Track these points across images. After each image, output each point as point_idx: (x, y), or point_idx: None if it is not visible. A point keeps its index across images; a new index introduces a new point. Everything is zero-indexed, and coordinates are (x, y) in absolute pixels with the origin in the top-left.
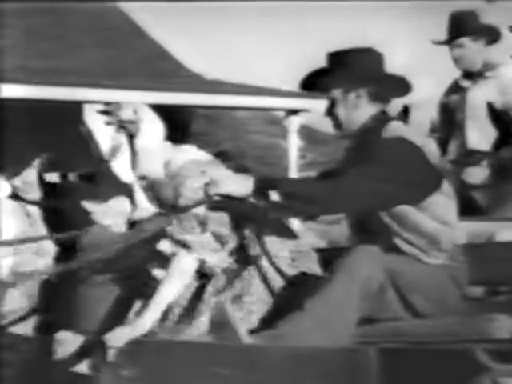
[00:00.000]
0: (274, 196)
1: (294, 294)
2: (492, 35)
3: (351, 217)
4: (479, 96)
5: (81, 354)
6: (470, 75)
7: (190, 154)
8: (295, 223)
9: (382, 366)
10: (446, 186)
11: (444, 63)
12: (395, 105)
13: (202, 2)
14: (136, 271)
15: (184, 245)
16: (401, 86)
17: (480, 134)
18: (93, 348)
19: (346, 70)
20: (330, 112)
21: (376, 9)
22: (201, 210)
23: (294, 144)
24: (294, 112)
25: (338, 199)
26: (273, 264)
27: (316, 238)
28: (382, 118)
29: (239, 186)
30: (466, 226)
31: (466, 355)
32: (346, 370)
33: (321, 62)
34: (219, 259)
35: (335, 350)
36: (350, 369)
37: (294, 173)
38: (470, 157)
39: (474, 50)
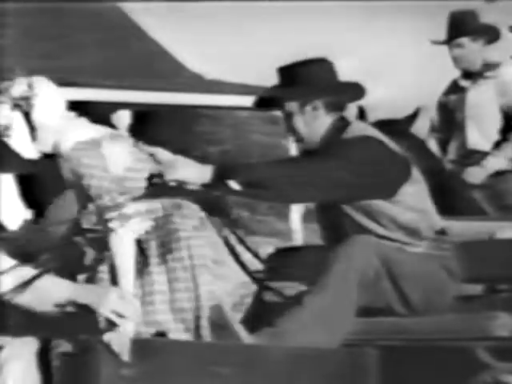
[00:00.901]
0: (234, 185)
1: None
2: (491, 35)
3: (319, 213)
4: (479, 96)
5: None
6: (469, 75)
7: (85, 131)
8: (295, 222)
9: (382, 364)
10: (415, 173)
11: (443, 63)
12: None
13: (202, 2)
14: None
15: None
16: (355, 91)
17: (480, 134)
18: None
19: (300, 83)
20: (290, 127)
21: (376, 9)
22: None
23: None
24: None
25: (298, 188)
26: (248, 248)
27: (314, 237)
28: (342, 124)
29: (197, 172)
30: (467, 225)
31: (466, 353)
32: (346, 369)
33: None
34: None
35: (335, 349)
36: (350, 368)
37: None
38: (469, 157)
39: (473, 50)
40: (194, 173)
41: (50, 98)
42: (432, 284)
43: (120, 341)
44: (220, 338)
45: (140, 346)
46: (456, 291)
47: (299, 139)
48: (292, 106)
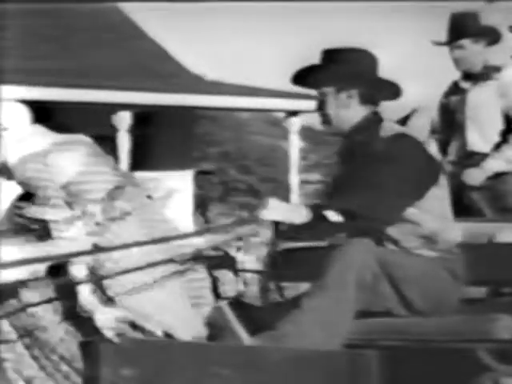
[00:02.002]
0: (333, 217)
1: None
2: (492, 37)
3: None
4: (479, 97)
5: None
6: (469, 76)
7: (33, 143)
8: None
9: (382, 366)
10: (442, 178)
11: (444, 64)
12: (385, 107)
13: (202, 2)
14: None
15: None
16: (392, 90)
17: (480, 136)
18: None
19: (340, 68)
20: (321, 108)
21: (377, 9)
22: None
23: (295, 145)
24: (294, 113)
25: (388, 207)
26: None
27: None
28: (375, 119)
29: (296, 214)
30: (466, 227)
31: (468, 355)
32: (346, 371)
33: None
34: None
35: (335, 351)
36: (351, 370)
37: (295, 174)
38: (469, 158)
39: (474, 52)
40: (292, 214)
41: (11, 117)
42: (435, 287)
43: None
44: (221, 339)
45: (140, 346)
46: (460, 294)
47: (326, 121)
48: (328, 89)
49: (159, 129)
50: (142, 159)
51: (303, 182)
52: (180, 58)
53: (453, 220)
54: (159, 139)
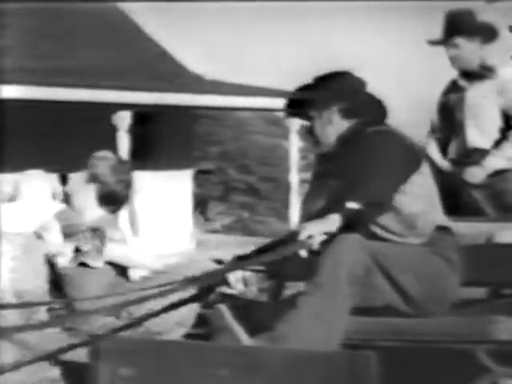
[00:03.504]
0: (354, 205)
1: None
2: (488, 34)
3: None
4: (477, 95)
5: None
6: (467, 74)
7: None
8: (295, 222)
9: (381, 366)
10: (424, 166)
11: (444, 63)
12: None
13: (203, 2)
14: None
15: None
16: (376, 106)
17: (480, 133)
18: None
19: (321, 91)
20: (311, 132)
21: (378, 9)
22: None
23: (295, 144)
24: None
25: (390, 194)
26: None
27: None
28: (360, 128)
29: (329, 224)
30: (465, 226)
31: (467, 356)
32: (345, 372)
33: (320, 63)
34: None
35: (334, 351)
36: (350, 370)
37: (295, 173)
38: (470, 156)
39: (469, 50)
40: (326, 225)
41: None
42: (429, 272)
43: None
44: (220, 339)
45: (140, 346)
46: (457, 278)
47: (316, 142)
48: (313, 112)
49: (159, 128)
50: (142, 159)
51: (303, 182)
52: (180, 57)
53: (438, 206)
54: (159, 139)
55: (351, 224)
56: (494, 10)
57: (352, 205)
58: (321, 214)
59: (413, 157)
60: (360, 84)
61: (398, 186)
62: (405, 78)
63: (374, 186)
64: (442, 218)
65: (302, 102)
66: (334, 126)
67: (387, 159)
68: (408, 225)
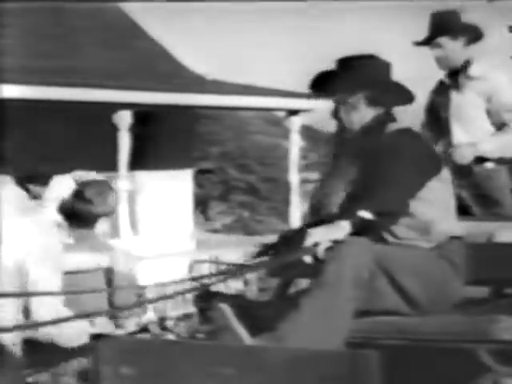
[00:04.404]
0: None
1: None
2: (472, 34)
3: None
4: (462, 95)
5: None
6: (454, 74)
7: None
8: (295, 222)
9: (383, 365)
10: (445, 172)
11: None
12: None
13: (203, 2)
14: None
15: None
16: (403, 94)
17: (465, 132)
18: None
19: (348, 75)
20: (336, 115)
21: (378, 9)
22: None
23: (295, 144)
24: (294, 112)
25: (405, 203)
26: None
27: None
28: (384, 119)
29: (337, 231)
30: (465, 226)
31: (469, 355)
32: (347, 371)
33: (320, 63)
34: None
35: (336, 351)
36: (352, 370)
37: (295, 173)
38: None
39: (453, 50)
40: (333, 232)
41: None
42: (434, 277)
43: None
44: (222, 339)
45: (140, 346)
46: (461, 283)
47: (342, 129)
48: (339, 95)
49: (160, 128)
50: (142, 159)
51: (303, 181)
52: (180, 57)
53: (454, 214)
54: (160, 138)
55: (361, 232)
56: (477, 7)
57: (364, 214)
58: (333, 211)
59: (434, 161)
60: (386, 69)
61: (415, 193)
62: (396, 78)
63: (390, 195)
64: (456, 228)
65: (327, 83)
66: (359, 112)
67: (408, 164)
68: (421, 232)
